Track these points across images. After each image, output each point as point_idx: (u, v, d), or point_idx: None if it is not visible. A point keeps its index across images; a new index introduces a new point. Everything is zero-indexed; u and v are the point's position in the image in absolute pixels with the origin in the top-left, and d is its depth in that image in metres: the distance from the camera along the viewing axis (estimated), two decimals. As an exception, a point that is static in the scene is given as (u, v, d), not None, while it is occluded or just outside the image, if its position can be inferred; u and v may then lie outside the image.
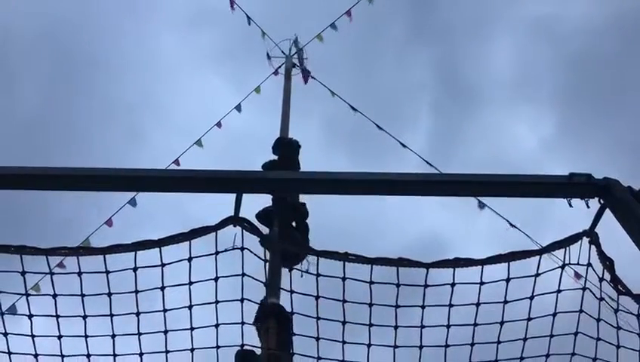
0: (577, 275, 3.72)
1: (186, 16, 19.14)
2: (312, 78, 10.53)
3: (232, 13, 11.10)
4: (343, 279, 3.55)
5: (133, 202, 9.59)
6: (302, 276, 3.83)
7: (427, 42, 19.65)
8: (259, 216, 6.46)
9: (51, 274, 3.61)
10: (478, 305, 3.60)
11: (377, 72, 17.69)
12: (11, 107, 16.47)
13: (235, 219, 3.47)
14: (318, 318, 3.68)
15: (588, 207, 3.35)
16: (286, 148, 7.86)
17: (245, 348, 3.99)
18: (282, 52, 10.76)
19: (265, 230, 6.10)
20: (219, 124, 10.88)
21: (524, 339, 3.68)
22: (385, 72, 18.16)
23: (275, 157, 7.77)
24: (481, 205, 9.17)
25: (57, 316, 3.70)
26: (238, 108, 11.01)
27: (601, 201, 3.34)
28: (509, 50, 19.45)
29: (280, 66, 10.65)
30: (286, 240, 6.07)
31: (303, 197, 6.42)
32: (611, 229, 3.35)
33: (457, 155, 17.25)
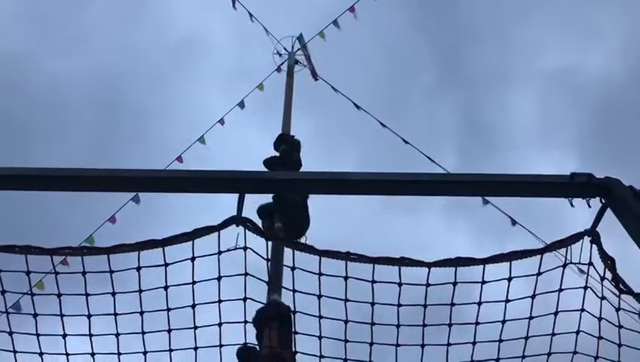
0: (581, 271, 3.72)
1: (229, 70, 20.12)
2: (314, 77, 10.56)
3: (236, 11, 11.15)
4: (345, 278, 3.57)
5: (136, 199, 9.64)
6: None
7: (453, 90, 20.33)
8: (260, 210, 6.48)
9: (56, 273, 3.64)
10: (479, 304, 3.61)
11: (405, 116, 18.15)
12: (64, 152, 16.92)
13: (238, 219, 3.48)
14: (320, 317, 3.70)
15: (589, 206, 3.35)
16: (287, 144, 7.89)
17: (247, 345, 4.02)
18: (284, 49, 10.80)
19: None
20: (221, 121, 10.92)
21: (526, 338, 3.70)
22: (412, 116, 18.66)
23: (277, 154, 7.81)
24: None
25: (62, 315, 3.72)
26: (241, 105, 11.05)
27: (603, 201, 3.35)
28: (531, 98, 19.98)
29: (282, 63, 10.69)
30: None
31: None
32: (613, 228, 3.36)
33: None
